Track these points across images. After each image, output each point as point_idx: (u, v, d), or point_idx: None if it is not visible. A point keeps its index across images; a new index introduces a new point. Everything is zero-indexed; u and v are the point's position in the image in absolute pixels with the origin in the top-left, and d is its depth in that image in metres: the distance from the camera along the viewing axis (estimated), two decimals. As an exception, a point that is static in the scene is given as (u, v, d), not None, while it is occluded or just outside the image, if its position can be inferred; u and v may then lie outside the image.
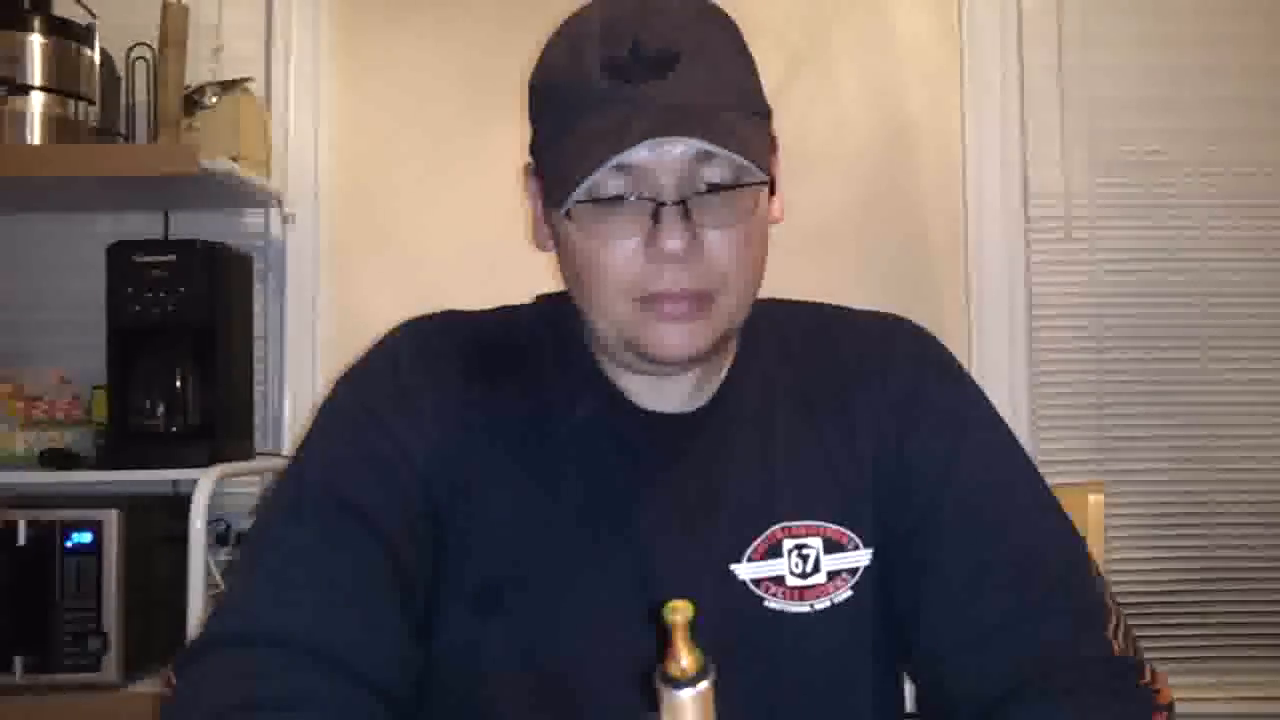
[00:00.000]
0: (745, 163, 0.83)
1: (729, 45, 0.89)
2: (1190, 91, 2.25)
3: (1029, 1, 2.26)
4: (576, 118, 0.85)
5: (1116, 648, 0.83)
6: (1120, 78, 2.26)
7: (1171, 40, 2.26)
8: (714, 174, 0.85)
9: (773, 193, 0.90)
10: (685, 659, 0.58)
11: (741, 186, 0.85)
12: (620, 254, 0.85)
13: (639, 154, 0.83)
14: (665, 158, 0.83)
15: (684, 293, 0.85)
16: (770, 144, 0.90)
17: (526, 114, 0.93)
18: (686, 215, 0.83)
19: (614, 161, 0.81)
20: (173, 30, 1.94)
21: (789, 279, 1.01)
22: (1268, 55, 2.26)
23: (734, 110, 0.85)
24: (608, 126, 0.82)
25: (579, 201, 0.84)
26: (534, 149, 0.93)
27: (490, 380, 0.95)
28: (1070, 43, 2.25)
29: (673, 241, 0.83)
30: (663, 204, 0.83)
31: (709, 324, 0.87)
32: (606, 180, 0.84)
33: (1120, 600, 0.88)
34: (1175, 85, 2.25)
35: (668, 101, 0.83)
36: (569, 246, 0.88)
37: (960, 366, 1.00)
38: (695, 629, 0.61)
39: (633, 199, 0.84)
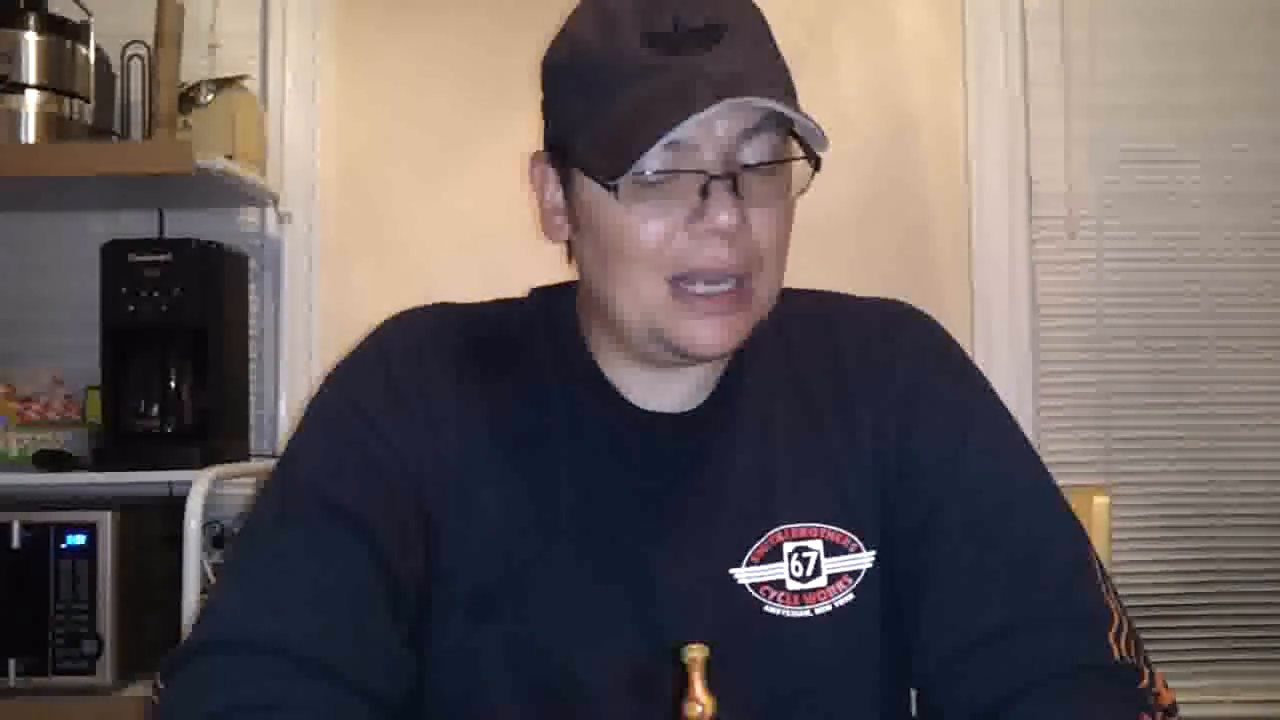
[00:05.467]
0: (813, 124, 0.82)
1: (765, 27, 0.88)
2: (1196, 91, 2.23)
3: (1033, -2, 2.25)
4: (620, 88, 0.82)
5: (1116, 652, 0.82)
6: (1125, 76, 2.24)
7: (1178, 37, 2.25)
8: (757, 152, 0.84)
9: (818, 169, 0.87)
10: (703, 701, 0.57)
11: (791, 160, 0.84)
12: (661, 229, 0.83)
13: (685, 131, 0.80)
14: (711, 134, 0.82)
15: (725, 272, 0.83)
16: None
17: (538, 103, 0.91)
18: (735, 190, 0.82)
19: (691, 121, 0.78)
20: (168, 28, 1.93)
21: (790, 277, 0.99)
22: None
23: (781, 85, 0.85)
24: (667, 92, 0.80)
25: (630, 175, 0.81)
26: (558, 131, 0.89)
27: (484, 377, 0.93)
28: (1074, 40, 2.24)
29: (725, 216, 0.81)
30: (715, 177, 0.82)
31: (745, 316, 0.86)
32: (649, 156, 0.81)
33: (1125, 603, 0.87)
34: (1181, 85, 2.24)
35: (721, 69, 0.81)
36: (600, 226, 0.85)
37: (964, 355, 0.98)
38: (710, 666, 0.59)
39: (679, 173, 0.82)
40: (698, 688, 0.58)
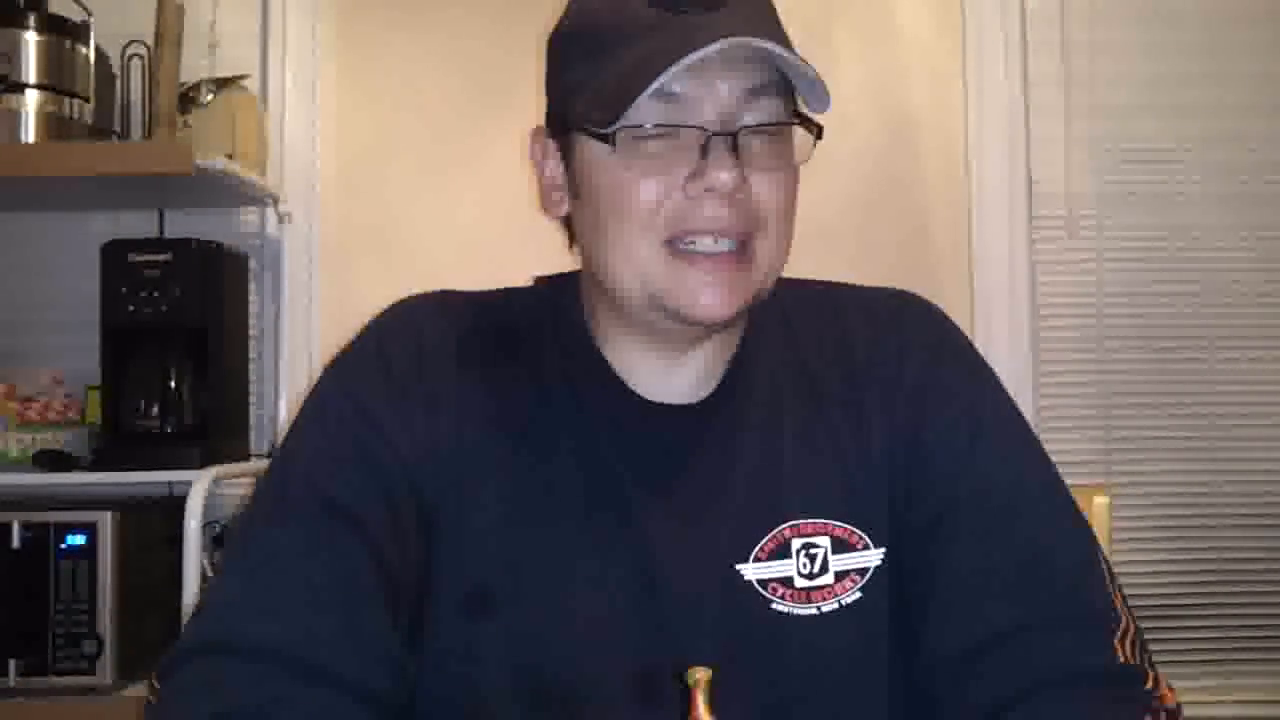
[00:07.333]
0: (815, 75, 0.81)
1: (769, 4, 0.89)
2: (1196, 91, 2.24)
3: (1033, -2, 2.25)
4: (624, 46, 0.82)
5: (1121, 656, 0.81)
6: (1125, 76, 2.24)
7: (1178, 38, 2.25)
8: (761, 114, 0.83)
9: (819, 136, 0.87)
10: None
11: (791, 124, 0.84)
12: (659, 187, 0.83)
13: (686, 87, 0.81)
14: (714, 92, 0.82)
15: (722, 232, 0.82)
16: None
17: (533, 91, 0.91)
18: (734, 150, 0.81)
19: (688, 61, 0.78)
20: (168, 27, 1.93)
21: (791, 276, 0.99)
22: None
23: (785, 46, 0.83)
24: (667, 43, 0.79)
25: (626, 126, 0.81)
26: (560, 97, 0.89)
27: (485, 367, 0.92)
28: (1074, 39, 2.24)
29: (724, 174, 0.80)
30: (714, 134, 0.81)
31: (746, 279, 0.84)
32: (650, 112, 0.81)
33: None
34: (1181, 85, 2.24)
35: (723, 26, 0.81)
36: (598, 188, 0.85)
37: (973, 349, 0.97)
38: (715, 686, 0.59)
39: (679, 129, 0.81)
40: (701, 709, 0.58)
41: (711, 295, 0.83)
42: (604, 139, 0.83)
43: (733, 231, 0.83)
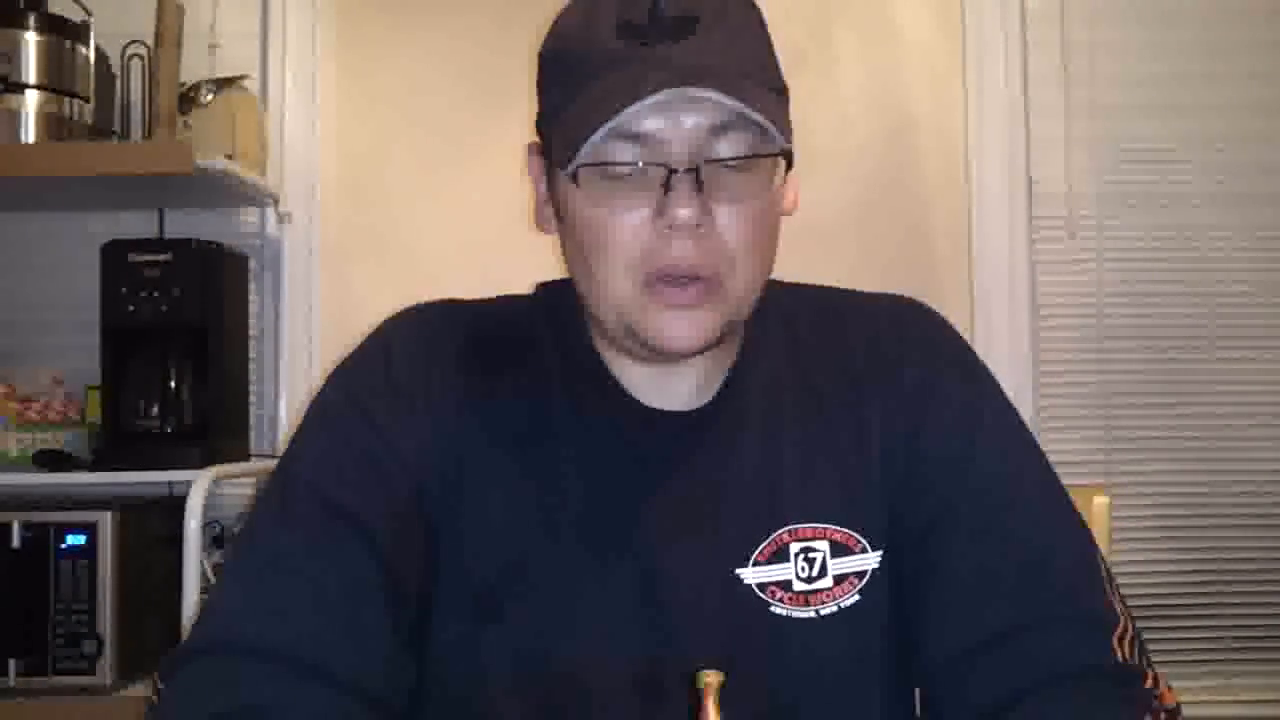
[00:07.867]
0: (764, 122, 0.80)
1: (749, 18, 0.87)
2: (1195, 91, 2.24)
3: (1033, -1, 2.25)
4: (588, 79, 0.82)
5: (1121, 656, 0.81)
6: (1125, 76, 2.24)
7: (1177, 37, 2.25)
8: (728, 148, 0.82)
9: (790, 168, 0.86)
10: None
11: (757, 157, 0.83)
12: (627, 225, 0.83)
13: (651, 123, 0.80)
14: (679, 127, 0.81)
15: (691, 270, 0.82)
16: (787, 123, 0.86)
17: (532, 92, 0.90)
18: (699, 186, 0.81)
19: (635, 108, 0.78)
20: (168, 28, 1.94)
21: (790, 277, 0.99)
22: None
23: (753, 79, 0.83)
24: (622, 84, 0.79)
25: (586, 165, 0.81)
26: (540, 120, 0.90)
27: (488, 374, 0.92)
28: (1074, 39, 2.24)
29: (684, 210, 0.80)
30: (674, 171, 0.81)
31: (715, 313, 0.85)
32: (616, 149, 0.81)
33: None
34: (1181, 85, 2.24)
35: (685, 61, 0.80)
36: (573, 220, 0.86)
37: (973, 354, 0.98)
38: (723, 692, 0.59)
39: (643, 166, 0.81)
40: (710, 713, 0.59)
41: (679, 329, 0.84)
42: (568, 177, 0.83)
43: (700, 270, 0.83)
